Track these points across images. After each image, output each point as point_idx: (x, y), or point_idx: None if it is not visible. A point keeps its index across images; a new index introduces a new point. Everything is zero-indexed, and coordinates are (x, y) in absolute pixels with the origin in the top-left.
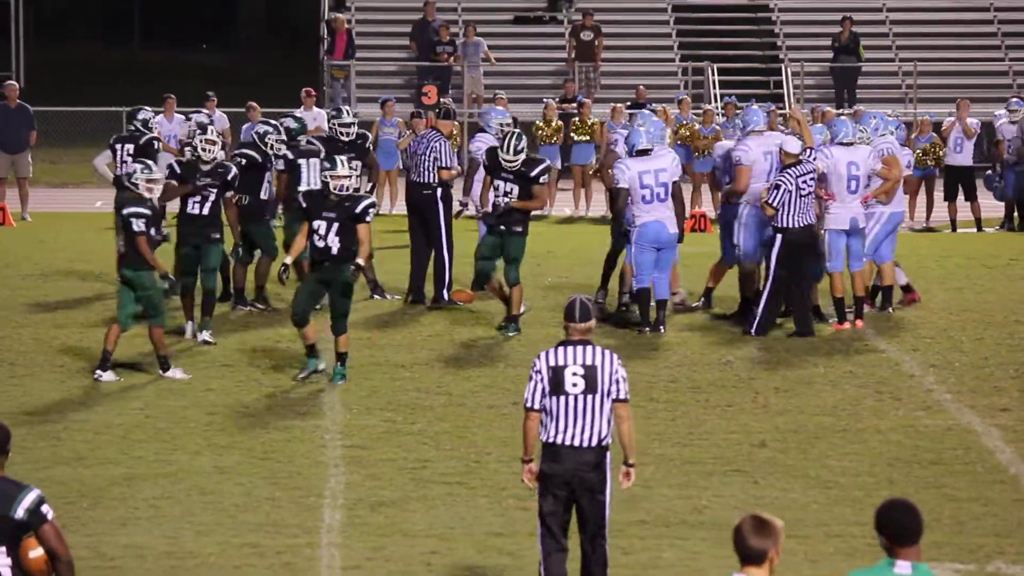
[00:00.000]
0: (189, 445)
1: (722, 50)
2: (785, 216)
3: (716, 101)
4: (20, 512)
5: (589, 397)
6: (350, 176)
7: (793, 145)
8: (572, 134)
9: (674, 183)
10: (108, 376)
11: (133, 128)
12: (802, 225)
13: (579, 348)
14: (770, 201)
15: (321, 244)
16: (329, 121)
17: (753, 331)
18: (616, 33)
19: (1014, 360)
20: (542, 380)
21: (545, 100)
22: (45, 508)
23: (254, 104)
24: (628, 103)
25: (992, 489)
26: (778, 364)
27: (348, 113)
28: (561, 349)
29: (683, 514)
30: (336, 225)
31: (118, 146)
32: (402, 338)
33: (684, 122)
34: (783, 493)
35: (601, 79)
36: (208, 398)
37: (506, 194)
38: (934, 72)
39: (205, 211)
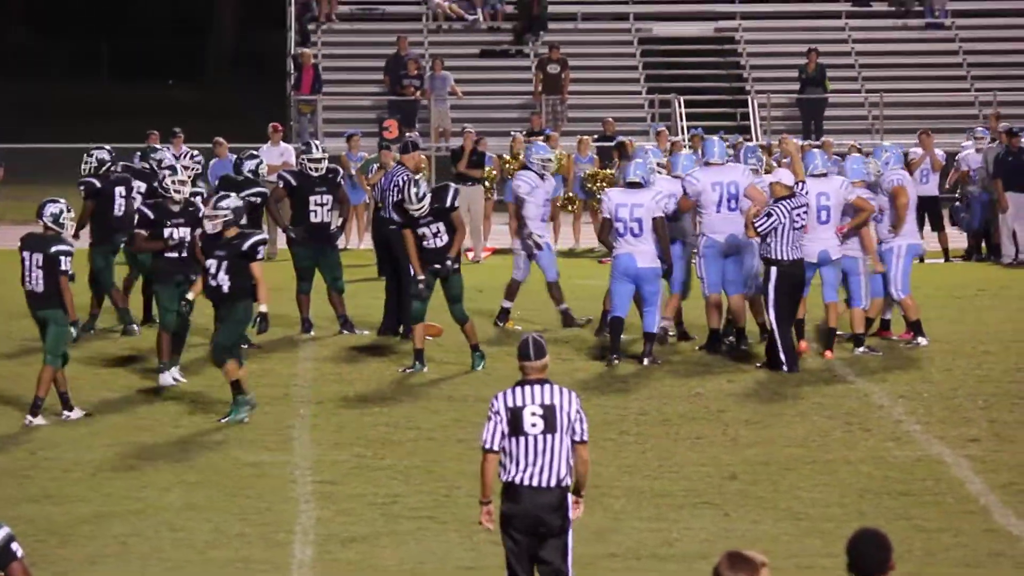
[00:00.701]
0: (158, 481)
1: (689, 82)
2: (778, 248)
3: (683, 133)
4: None
5: (548, 437)
6: (186, 185)
7: (788, 177)
8: None
9: (655, 218)
10: (75, 414)
11: (146, 165)
12: (794, 258)
13: (537, 387)
14: (757, 227)
15: (213, 283)
16: (298, 156)
17: (787, 368)
18: (583, 66)
19: (983, 391)
20: (501, 421)
21: (512, 133)
22: (15, 546)
23: (221, 140)
24: (595, 136)
25: (962, 520)
26: (748, 396)
27: (318, 148)
28: (519, 389)
29: (653, 547)
30: (225, 263)
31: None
32: (371, 373)
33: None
34: (754, 525)
35: (568, 112)
36: (177, 434)
37: (435, 235)
38: (900, 103)
39: (184, 253)
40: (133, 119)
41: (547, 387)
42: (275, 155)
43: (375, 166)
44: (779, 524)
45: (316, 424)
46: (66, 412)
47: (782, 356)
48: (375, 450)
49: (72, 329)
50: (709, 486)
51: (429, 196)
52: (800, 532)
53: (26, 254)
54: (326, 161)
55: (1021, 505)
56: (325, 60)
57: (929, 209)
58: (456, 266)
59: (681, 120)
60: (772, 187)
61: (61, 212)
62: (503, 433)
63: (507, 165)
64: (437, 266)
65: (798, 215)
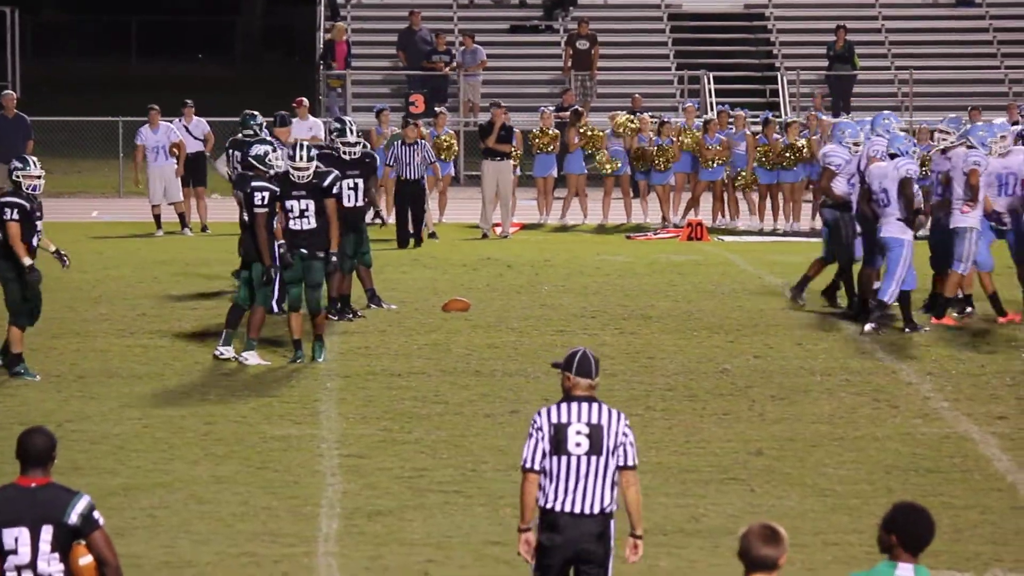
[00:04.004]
0: (186, 455)
1: (718, 58)
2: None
3: (711, 109)
4: (74, 518)
5: (593, 459)
6: (41, 176)
7: None
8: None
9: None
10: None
11: (247, 133)
12: None
13: (584, 405)
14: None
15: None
16: (331, 135)
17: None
18: (612, 42)
19: (1011, 368)
20: (543, 439)
21: (541, 109)
22: (96, 514)
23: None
24: (625, 111)
25: (989, 497)
26: (775, 372)
27: (352, 131)
28: (564, 405)
29: (680, 522)
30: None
31: (231, 150)
32: (399, 347)
33: (686, 128)
34: (779, 501)
35: (597, 88)
36: (205, 408)
37: (302, 213)
38: (930, 80)
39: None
40: (161, 94)
41: (595, 405)
42: (304, 129)
43: (398, 142)
44: (805, 500)
45: (343, 398)
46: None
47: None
48: (402, 424)
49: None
50: (735, 462)
51: (313, 167)
52: (827, 508)
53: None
54: (361, 144)
55: None
56: (354, 35)
57: None
58: (322, 253)
59: (710, 96)
60: None
61: (15, 168)
62: (544, 452)
63: (536, 140)
64: (304, 251)
65: None
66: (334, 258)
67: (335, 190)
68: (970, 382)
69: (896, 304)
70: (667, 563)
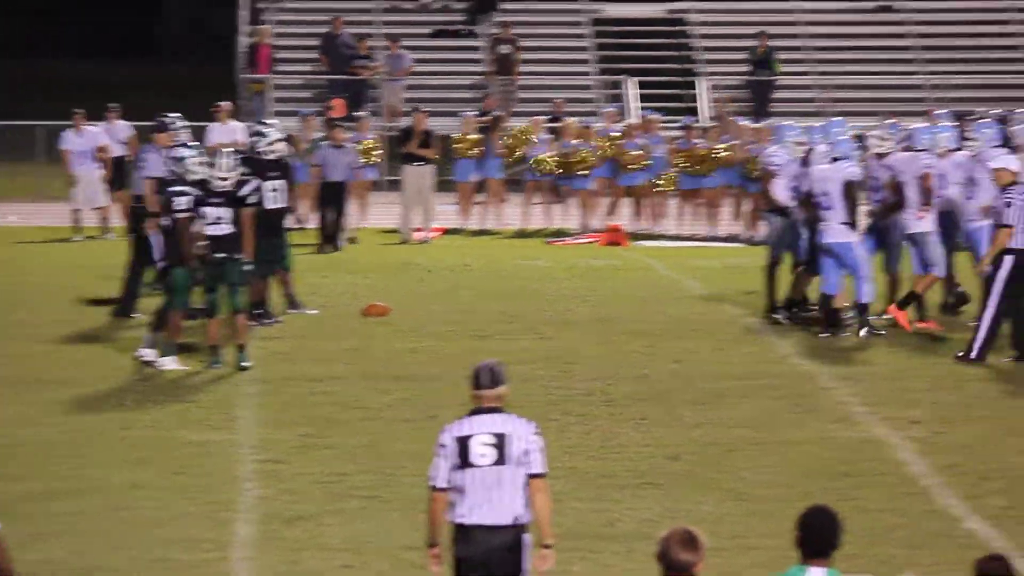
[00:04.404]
0: (103, 460)
1: (640, 63)
2: (1018, 236)
3: (634, 115)
4: None
5: (500, 469)
6: None
7: (1014, 163)
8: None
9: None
10: None
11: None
12: None
13: (488, 416)
14: (1006, 221)
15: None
16: (252, 138)
17: (975, 356)
18: (535, 47)
19: (927, 373)
20: (448, 455)
21: (463, 114)
22: None
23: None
24: (546, 117)
25: (904, 501)
26: (693, 377)
27: (273, 132)
28: (468, 419)
29: (595, 527)
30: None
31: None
32: (318, 352)
33: (607, 135)
34: (697, 506)
35: (519, 92)
36: (122, 414)
37: (218, 219)
38: (849, 85)
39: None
40: (80, 96)
41: (500, 416)
42: (224, 133)
43: (325, 144)
44: (722, 505)
45: (261, 403)
46: None
47: (979, 343)
48: (320, 429)
49: None
50: (652, 467)
51: (235, 175)
52: (743, 513)
53: None
54: (282, 146)
55: (963, 486)
56: (277, 39)
57: None
58: (239, 256)
59: (632, 101)
60: (998, 174)
61: None
62: (451, 468)
63: (458, 145)
64: (220, 255)
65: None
66: (249, 267)
67: (252, 200)
68: (887, 387)
69: (818, 308)
70: (581, 568)
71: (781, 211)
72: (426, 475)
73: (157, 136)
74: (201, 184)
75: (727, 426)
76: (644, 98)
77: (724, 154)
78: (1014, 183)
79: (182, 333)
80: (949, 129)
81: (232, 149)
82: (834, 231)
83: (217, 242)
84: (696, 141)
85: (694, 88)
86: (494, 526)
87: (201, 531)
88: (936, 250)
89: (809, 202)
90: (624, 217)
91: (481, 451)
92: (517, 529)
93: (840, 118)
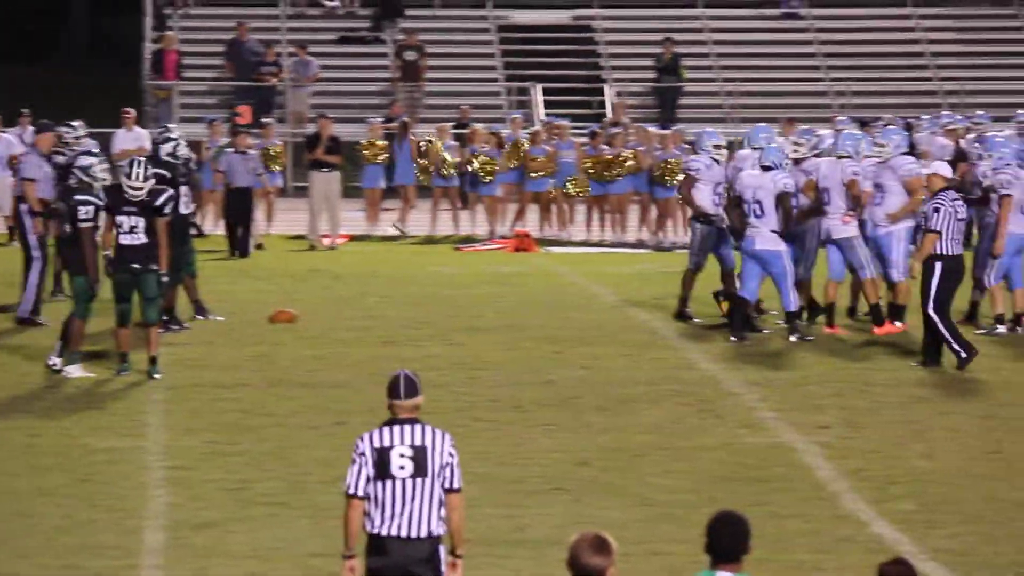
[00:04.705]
0: (9, 467)
1: (547, 70)
2: (945, 242)
3: (539, 121)
4: None
5: (418, 481)
6: None
7: (946, 169)
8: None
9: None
10: None
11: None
12: (958, 253)
13: (407, 427)
14: (933, 226)
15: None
16: (158, 144)
17: (965, 355)
18: (441, 53)
19: (834, 378)
20: (366, 464)
21: (370, 120)
22: None
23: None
24: (453, 123)
25: (812, 505)
26: (601, 383)
27: (177, 137)
28: (387, 429)
29: (505, 533)
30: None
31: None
32: (225, 358)
33: (514, 140)
34: (604, 511)
35: (426, 99)
36: (28, 420)
37: (132, 228)
38: (755, 92)
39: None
40: None
41: (419, 427)
42: (130, 140)
43: (230, 150)
44: (630, 510)
45: (169, 410)
46: None
47: (957, 350)
48: (228, 435)
49: None
50: (561, 472)
51: (150, 184)
52: (651, 518)
53: None
54: (185, 150)
55: (870, 491)
56: (182, 46)
57: None
58: (155, 266)
59: (539, 108)
60: (931, 179)
61: None
62: (368, 477)
63: (365, 152)
64: (136, 265)
65: (959, 207)
66: (165, 278)
67: (167, 210)
68: (794, 392)
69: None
70: (491, 573)
71: (704, 218)
72: (335, 482)
73: (39, 138)
74: (111, 192)
75: (635, 432)
76: (551, 104)
77: (630, 161)
78: (945, 189)
79: (85, 340)
80: (864, 136)
81: (143, 157)
82: (764, 238)
83: (132, 252)
84: (603, 147)
85: (601, 95)
86: (410, 538)
87: (109, 538)
88: (862, 253)
89: (738, 207)
90: (532, 223)
91: (400, 463)
92: (433, 540)
93: (766, 124)
